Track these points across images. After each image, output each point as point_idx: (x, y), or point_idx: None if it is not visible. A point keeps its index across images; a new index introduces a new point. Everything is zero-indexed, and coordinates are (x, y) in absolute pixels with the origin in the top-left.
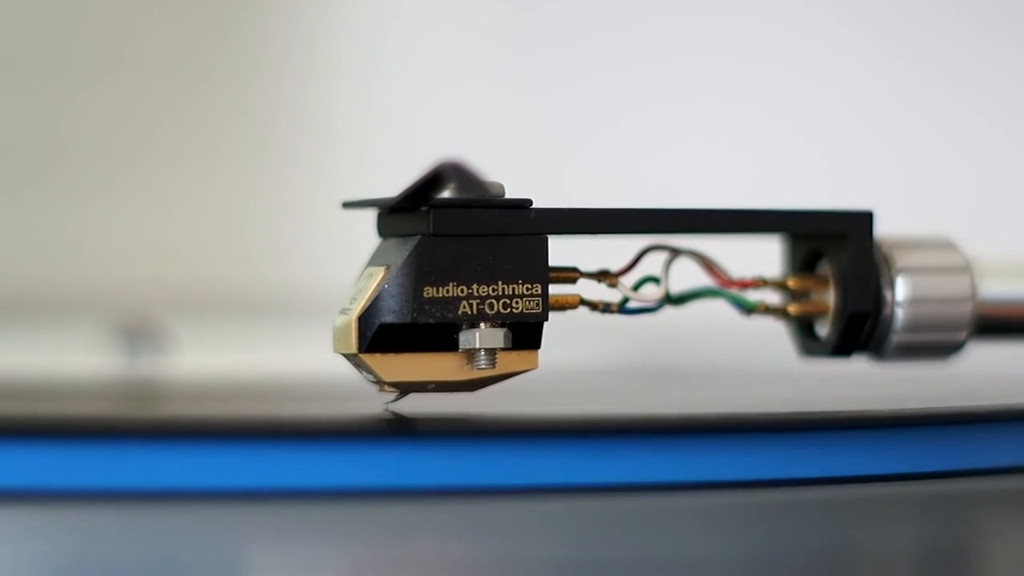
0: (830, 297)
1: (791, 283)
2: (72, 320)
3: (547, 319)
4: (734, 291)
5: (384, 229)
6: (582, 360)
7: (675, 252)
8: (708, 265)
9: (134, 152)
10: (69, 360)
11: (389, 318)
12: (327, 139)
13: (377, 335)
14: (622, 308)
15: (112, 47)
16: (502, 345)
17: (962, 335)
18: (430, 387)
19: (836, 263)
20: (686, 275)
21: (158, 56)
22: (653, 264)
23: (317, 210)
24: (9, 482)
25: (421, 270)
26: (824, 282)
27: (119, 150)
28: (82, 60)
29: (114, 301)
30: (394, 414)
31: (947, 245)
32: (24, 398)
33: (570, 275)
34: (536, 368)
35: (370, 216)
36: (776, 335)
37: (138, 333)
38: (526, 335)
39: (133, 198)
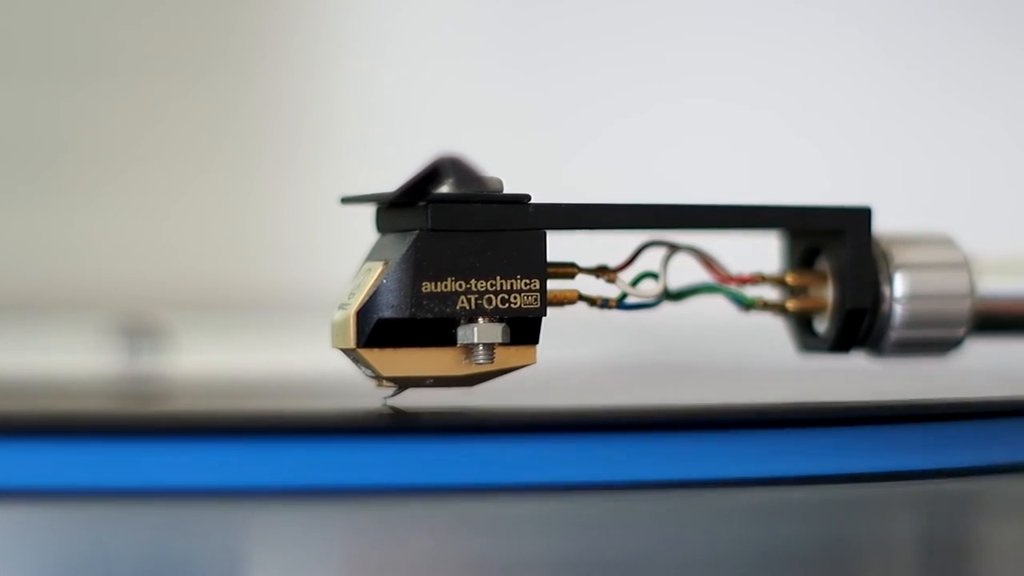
0: (828, 293)
1: (790, 279)
2: (72, 320)
3: (545, 314)
4: (732, 287)
5: (382, 224)
6: (580, 356)
7: (674, 248)
8: (707, 261)
9: (133, 152)
10: (69, 360)
11: (387, 313)
12: (325, 138)
13: (375, 330)
14: (620, 304)
15: (110, 47)
16: (500, 340)
17: (960, 331)
18: (428, 382)
19: (834, 259)
20: (684, 271)
21: (156, 56)
22: (651, 260)
23: (316, 208)
24: (9, 480)
25: (419, 265)
26: (822, 278)
27: (118, 150)
28: (81, 60)
29: (114, 301)
30: (392, 409)
31: (945, 241)
32: (24, 397)
33: (568, 270)
34: (534, 363)
35: (368, 213)
36: (774, 331)
37: (138, 333)
38: (524, 330)
39: (132, 198)
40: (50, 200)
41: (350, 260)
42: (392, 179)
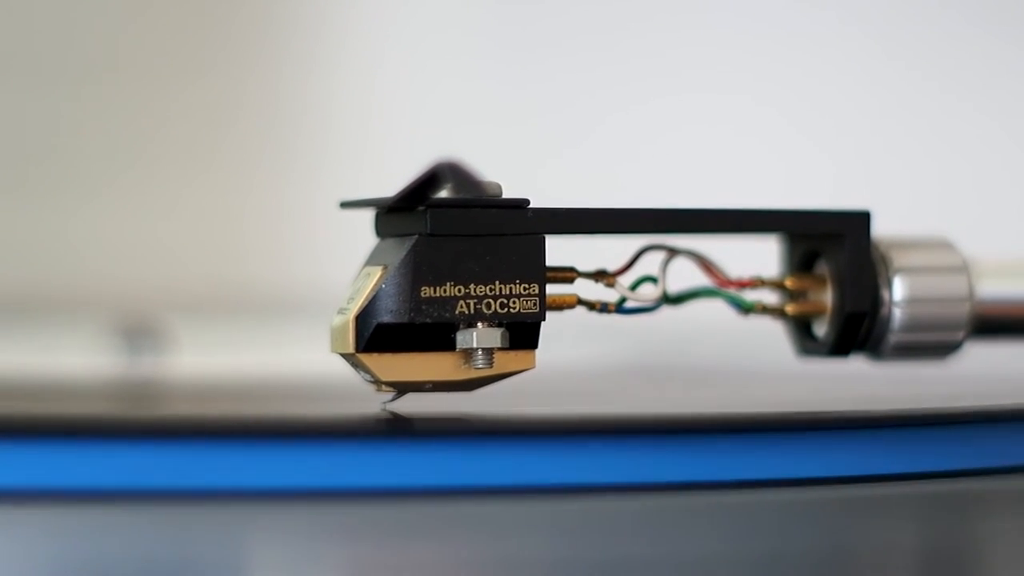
0: (827, 297)
1: (789, 283)
2: (72, 320)
3: (544, 319)
4: (732, 291)
5: (382, 229)
6: (579, 360)
7: (673, 252)
8: (706, 265)
9: (133, 152)
10: (69, 360)
11: (386, 318)
12: (325, 139)
13: (374, 335)
14: (619, 308)
15: (110, 47)
16: (499, 345)
17: (959, 335)
18: (427, 387)
19: (834, 263)
20: (684, 275)
21: (156, 56)
22: (651, 264)
23: (315, 210)
24: (9, 481)
25: (418, 270)
26: (822, 282)
27: (118, 150)
28: (80, 60)
29: (114, 301)
30: (392, 414)
31: (945, 245)
32: (24, 398)
33: (567, 275)
34: (533, 368)
35: (367, 216)
36: (774, 335)
37: (138, 333)
38: (523, 335)
39: (132, 198)
40: (50, 200)
41: (350, 262)
42: (392, 179)
